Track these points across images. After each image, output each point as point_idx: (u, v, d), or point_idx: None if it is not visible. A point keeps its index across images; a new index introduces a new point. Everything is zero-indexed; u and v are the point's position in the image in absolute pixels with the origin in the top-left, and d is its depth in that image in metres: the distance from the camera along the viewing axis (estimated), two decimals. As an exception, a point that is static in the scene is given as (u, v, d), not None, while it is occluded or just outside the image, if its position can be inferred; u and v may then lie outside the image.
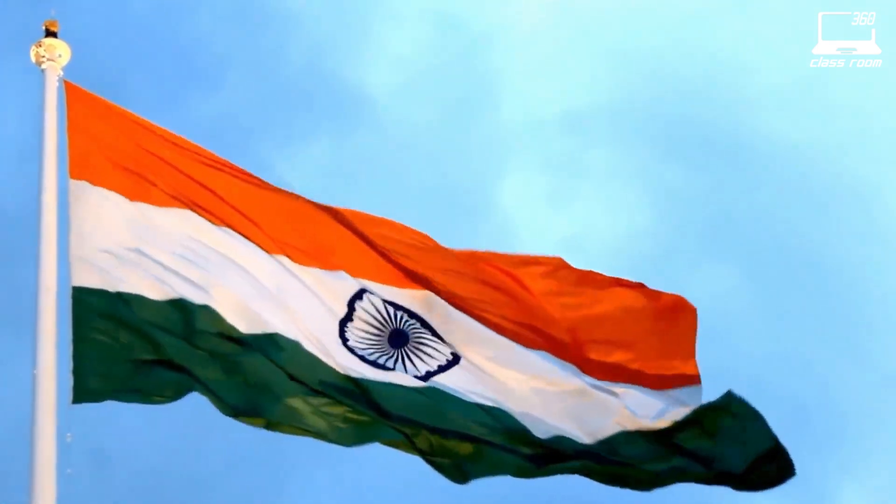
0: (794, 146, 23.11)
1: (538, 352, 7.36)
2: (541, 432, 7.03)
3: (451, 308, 7.41)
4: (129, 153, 7.36)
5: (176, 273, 7.04)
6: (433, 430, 6.98)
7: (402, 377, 7.11)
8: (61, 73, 7.51)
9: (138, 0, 23.61)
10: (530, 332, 7.44)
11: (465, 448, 6.99)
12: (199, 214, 7.33)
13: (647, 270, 20.84)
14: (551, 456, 7.00)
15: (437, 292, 7.45)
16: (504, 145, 24.45)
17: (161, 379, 6.78)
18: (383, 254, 7.51)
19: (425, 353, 7.30)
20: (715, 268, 22.09)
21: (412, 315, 7.39)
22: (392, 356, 7.22)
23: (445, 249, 7.62)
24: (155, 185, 7.33)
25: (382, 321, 7.34)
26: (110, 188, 7.20)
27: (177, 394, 6.79)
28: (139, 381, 6.73)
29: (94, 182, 7.15)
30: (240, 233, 7.34)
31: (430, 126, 23.90)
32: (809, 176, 23.09)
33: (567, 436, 7.02)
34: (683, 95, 23.51)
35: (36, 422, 6.26)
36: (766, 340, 21.39)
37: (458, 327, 7.36)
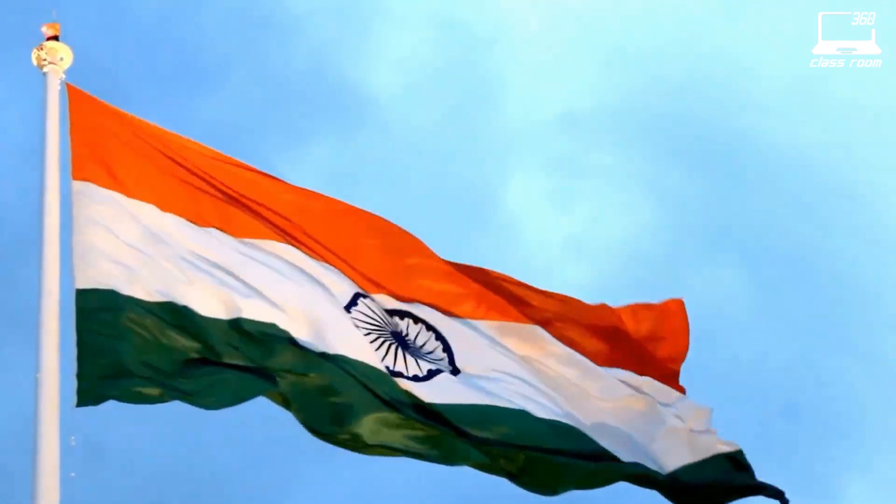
0: (795, 147, 23.10)
1: (613, 369, 7.60)
2: (621, 454, 7.22)
3: (544, 333, 7.60)
4: (138, 155, 7.34)
5: (235, 285, 7.03)
6: (494, 444, 7.06)
7: (448, 389, 7.13)
8: (63, 76, 7.49)
9: (140, 3, 23.58)
10: (607, 347, 7.72)
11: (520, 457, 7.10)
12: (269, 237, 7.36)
13: (649, 271, 20.85)
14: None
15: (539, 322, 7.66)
16: (507, 146, 24.47)
17: (222, 382, 6.73)
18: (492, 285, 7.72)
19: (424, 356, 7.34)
20: (717, 269, 22.10)
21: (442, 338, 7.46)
22: (391, 348, 7.25)
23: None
24: (179, 185, 7.34)
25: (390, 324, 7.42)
26: (120, 191, 7.16)
27: (235, 399, 6.72)
28: (188, 383, 6.66)
29: (103, 184, 7.12)
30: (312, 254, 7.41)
31: (433, 128, 23.90)
32: (811, 177, 23.09)
33: (643, 463, 7.21)
34: (685, 96, 23.52)
35: (39, 425, 6.21)
36: (769, 340, 21.40)
37: (545, 350, 7.52)
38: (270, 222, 7.46)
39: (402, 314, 7.53)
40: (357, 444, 6.90)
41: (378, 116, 23.55)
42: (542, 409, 7.26)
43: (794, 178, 23.13)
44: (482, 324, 7.57)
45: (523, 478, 7.10)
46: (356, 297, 7.41)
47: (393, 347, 7.28)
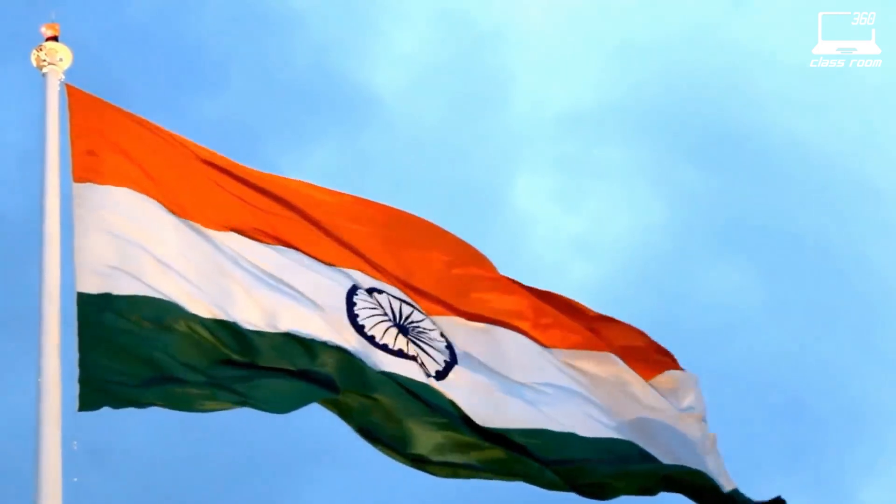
0: (805, 143, 23.00)
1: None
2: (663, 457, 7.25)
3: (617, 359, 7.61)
4: (139, 154, 7.24)
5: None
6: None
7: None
8: (63, 76, 7.43)
9: (140, 2, 23.50)
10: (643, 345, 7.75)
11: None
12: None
13: (659, 269, 20.72)
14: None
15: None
16: (514, 143, 24.38)
17: (275, 386, 6.68)
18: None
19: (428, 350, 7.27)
20: (728, 265, 21.95)
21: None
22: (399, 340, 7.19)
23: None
24: (181, 192, 7.24)
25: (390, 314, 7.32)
26: (130, 188, 7.08)
27: (291, 404, 6.67)
28: (239, 387, 6.60)
29: (110, 183, 7.02)
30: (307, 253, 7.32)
31: (438, 125, 23.81)
32: (822, 173, 23.00)
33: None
34: (694, 92, 23.43)
35: (41, 431, 6.14)
36: (781, 338, 21.28)
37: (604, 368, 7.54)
38: (336, 238, 7.44)
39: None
40: (423, 464, 6.94)
41: (383, 114, 23.47)
42: (592, 422, 7.28)
43: (806, 175, 23.05)
44: (554, 352, 7.55)
45: (576, 487, 7.11)
46: (371, 290, 7.35)
47: (411, 343, 7.22)
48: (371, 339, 7.06)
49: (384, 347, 7.06)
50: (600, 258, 21.50)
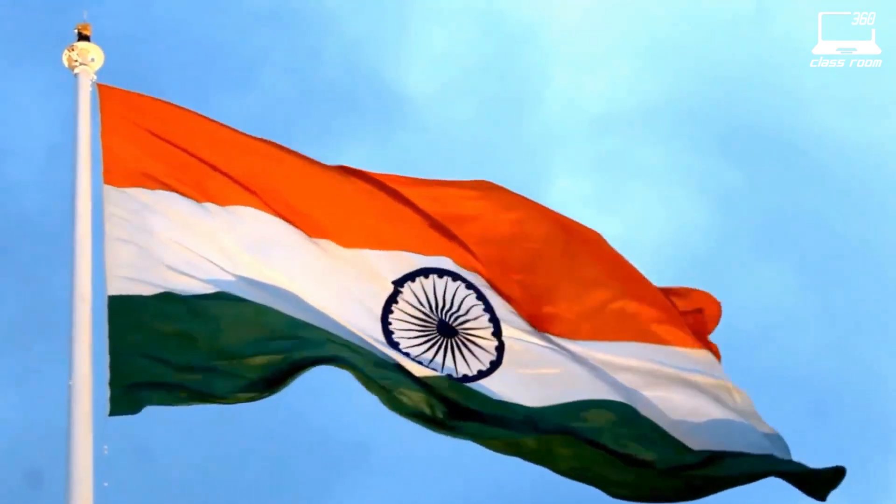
0: (847, 144, 22.71)
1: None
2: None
3: None
4: (171, 152, 7.17)
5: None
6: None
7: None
8: (94, 76, 7.40)
9: (171, 0, 23.46)
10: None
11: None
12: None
13: (699, 271, 20.49)
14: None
15: None
16: (549, 144, 24.17)
17: None
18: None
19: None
20: (768, 267, 21.71)
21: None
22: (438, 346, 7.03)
23: None
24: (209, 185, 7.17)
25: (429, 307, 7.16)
26: (162, 189, 7.04)
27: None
28: None
29: (140, 185, 6.99)
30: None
31: (472, 126, 23.63)
32: (863, 174, 22.70)
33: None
34: (732, 92, 23.14)
35: (72, 434, 6.11)
36: (823, 340, 21.02)
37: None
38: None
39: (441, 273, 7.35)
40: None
41: (415, 115, 23.30)
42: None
43: (848, 176, 22.72)
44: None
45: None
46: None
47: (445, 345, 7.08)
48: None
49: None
50: (638, 261, 21.16)
